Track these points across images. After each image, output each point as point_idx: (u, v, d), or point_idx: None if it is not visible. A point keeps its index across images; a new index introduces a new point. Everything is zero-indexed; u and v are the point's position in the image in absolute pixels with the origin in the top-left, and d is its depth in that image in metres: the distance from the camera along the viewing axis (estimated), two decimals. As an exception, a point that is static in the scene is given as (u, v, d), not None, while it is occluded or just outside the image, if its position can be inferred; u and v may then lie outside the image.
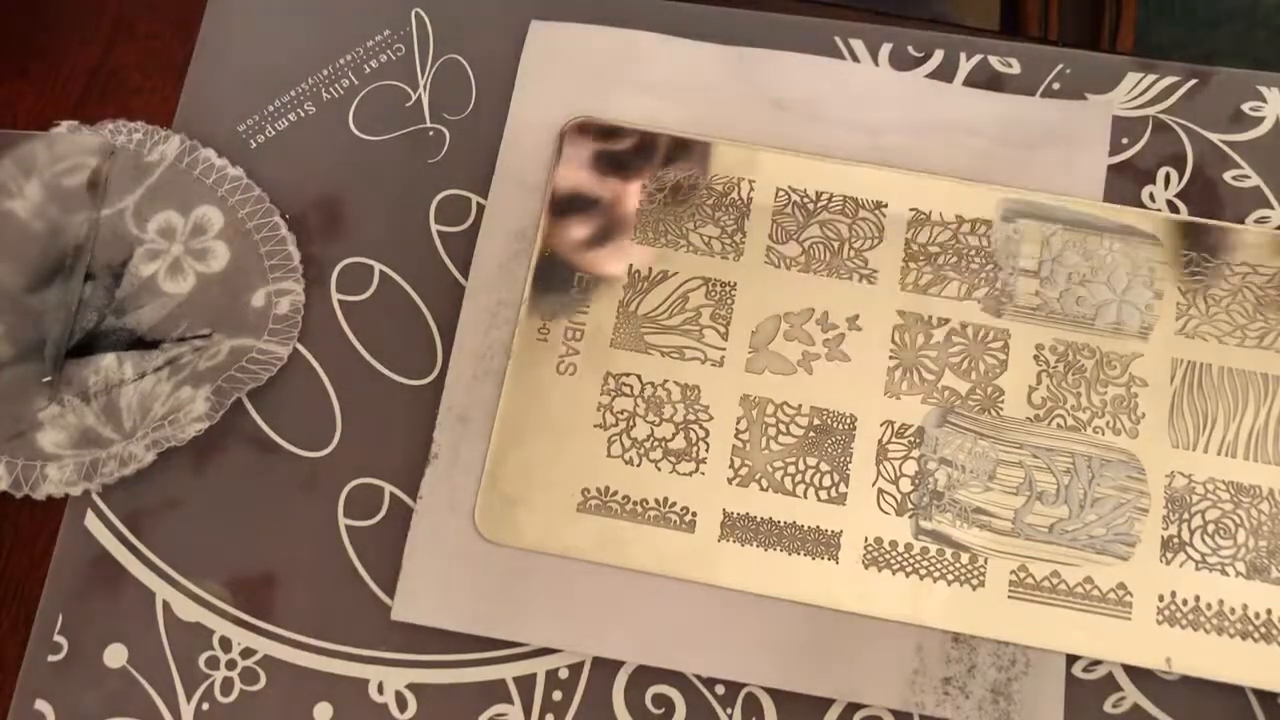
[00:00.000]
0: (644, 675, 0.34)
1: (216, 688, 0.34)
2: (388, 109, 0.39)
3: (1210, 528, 0.34)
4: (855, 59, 0.39)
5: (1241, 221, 0.37)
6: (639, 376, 0.36)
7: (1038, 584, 0.34)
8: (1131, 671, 0.33)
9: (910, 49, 0.39)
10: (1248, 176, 0.37)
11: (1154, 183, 0.37)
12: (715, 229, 0.37)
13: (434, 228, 0.38)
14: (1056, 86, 0.38)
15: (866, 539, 0.34)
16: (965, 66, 0.39)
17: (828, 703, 0.33)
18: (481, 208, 0.38)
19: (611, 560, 0.34)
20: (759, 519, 0.34)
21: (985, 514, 0.34)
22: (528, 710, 0.34)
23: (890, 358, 0.36)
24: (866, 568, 0.34)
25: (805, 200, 0.37)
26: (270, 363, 0.37)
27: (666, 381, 0.36)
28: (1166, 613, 0.33)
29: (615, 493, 0.35)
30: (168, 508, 0.36)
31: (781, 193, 0.37)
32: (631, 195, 0.37)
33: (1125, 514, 0.34)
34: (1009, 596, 0.33)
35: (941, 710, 0.33)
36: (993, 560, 0.34)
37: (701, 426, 0.35)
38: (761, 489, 0.35)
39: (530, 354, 0.36)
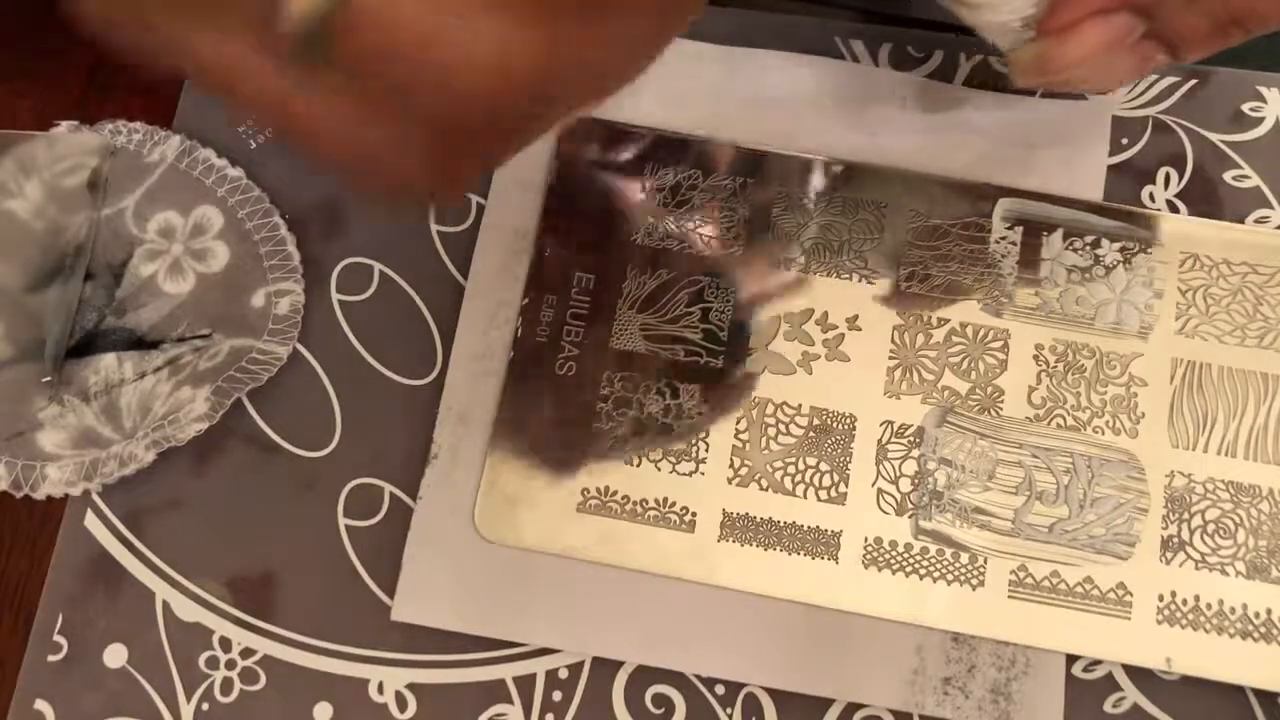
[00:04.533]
0: (644, 675, 0.34)
1: (216, 688, 0.34)
2: (388, 109, 0.39)
3: (1210, 527, 0.34)
4: (855, 59, 0.39)
5: (1241, 221, 0.37)
6: (639, 376, 0.36)
7: (1038, 584, 0.34)
8: (1131, 671, 0.33)
9: (910, 49, 0.39)
10: (1248, 176, 0.38)
11: (1154, 183, 0.38)
12: (715, 229, 0.37)
13: (434, 228, 0.38)
14: (1056, 86, 0.38)
15: (866, 539, 0.34)
16: (965, 66, 0.39)
17: (828, 703, 0.33)
18: (481, 208, 0.38)
19: (611, 560, 0.34)
20: (759, 519, 0.34)
21: (985, 514, 0.34)
22: (528, 710, 0.34)
23: (890, 358, 0.36)
24: (866, 567, 0.34)
25: (805, 200, 0.37)
26: (270, 363, 0.37)
27: (667, 381, 0.36)
28: (1166, 612, 0.33)
29: (615, 492, 0.35)
30: (168, 508, 0.36)
31: (781, 193, 0.37)
32: (631, 194, 0.37)
33: (1125, 514, 0.34)
34: (1009, 596, 0.33)
35: (941, 710, 0.33)
36: (992, 560, 0.34)
37: (701, 427, 0.35)
38: (761, 489, 0.35)
39: (530, 354, 0.36)
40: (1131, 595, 0.33)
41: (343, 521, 0.36)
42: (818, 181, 0.37)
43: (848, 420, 0.35)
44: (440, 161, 0.21)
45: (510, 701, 0.34)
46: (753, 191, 0.37)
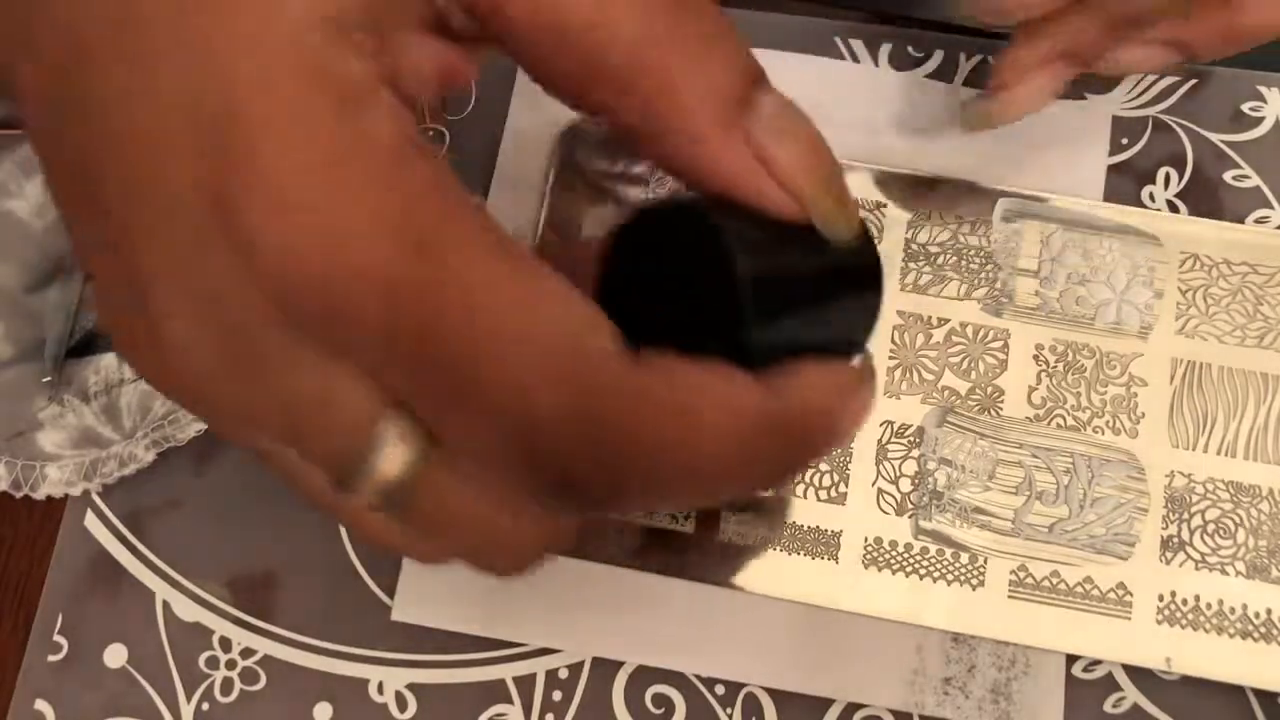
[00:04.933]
0: (644, 675, 0.34)
1: (216, 688, 0.34)
2: (388, 109, 0.39)
3: (1210, 527, 0.34)
4: (855, 59, 0.39)
5: (1241, 221, 0.37)
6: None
7: (1038, 584, 0.34)
8: (1131, 671, 0.33)
9: (910, 49, 0.39)
10: (1248, 176, 0.38)
11: (1154, 183, 0.38)
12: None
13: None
14: (1056, 86, 0.38)
15: (866, 539, 0.34)
16: (965, 66, 0.39)
17: (828, 703, 0.33)
18: (481, 208, 0.38)
19: (612, 560, 0.34)
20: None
21: (985, 514, 0.34)
22: (528, 710, 0.34)
23: (890, 358, 0.36)
24: (866, 568, 0.34)
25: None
26: (270, 363, 0.36)
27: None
28: (1166, 612, 0.33)
29: (615, 493, 0.35)
30: (168, 508, 0.36)
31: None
32: (631, 196, 0.37)
33: (1125, 514, 0.34)
34: (1009, 596, 0.33)
35: (941, 710, 0.33)
36: (993, 560, 0.34)
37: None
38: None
39: (530, 354, 0.36)
40: (1131, 595, 0.33)
41: (343, 521, 0.36)
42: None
43: (848, 420, 0.35)
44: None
45: (510, 701, 0.34)
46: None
